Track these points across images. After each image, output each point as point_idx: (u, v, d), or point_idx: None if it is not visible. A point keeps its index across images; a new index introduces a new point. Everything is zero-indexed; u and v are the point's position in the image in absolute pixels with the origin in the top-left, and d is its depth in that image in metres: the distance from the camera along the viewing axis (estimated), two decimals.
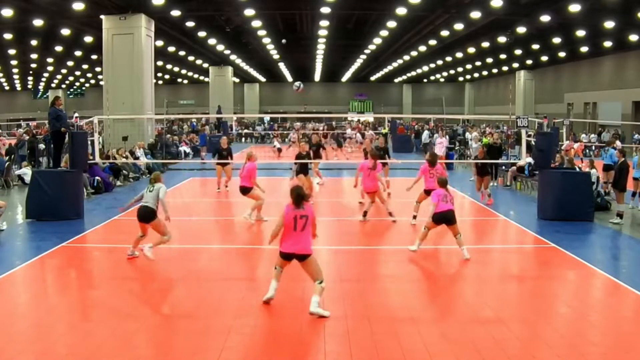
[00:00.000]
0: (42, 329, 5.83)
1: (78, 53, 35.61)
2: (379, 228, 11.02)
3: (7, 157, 17.80)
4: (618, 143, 18.71)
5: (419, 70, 51.25)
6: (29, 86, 57.95)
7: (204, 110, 47.77)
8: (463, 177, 19.00)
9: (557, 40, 30.60)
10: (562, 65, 40.03)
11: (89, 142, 13.09)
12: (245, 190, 11.16)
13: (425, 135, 28.04)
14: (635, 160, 12.76)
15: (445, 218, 8.53)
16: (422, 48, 34.89)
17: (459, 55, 38.30)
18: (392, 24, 26.73)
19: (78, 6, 20.91)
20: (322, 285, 6.24)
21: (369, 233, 10.74)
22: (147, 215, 8.25)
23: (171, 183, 17.29)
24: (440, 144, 19.80)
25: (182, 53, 36.90)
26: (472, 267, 8.32)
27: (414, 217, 10.96)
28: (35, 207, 11.44)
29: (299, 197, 6.31)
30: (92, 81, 54.12)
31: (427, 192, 10.45)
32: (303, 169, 13.04)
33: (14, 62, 40.26)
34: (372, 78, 58.06)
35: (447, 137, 23.75)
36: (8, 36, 28.08)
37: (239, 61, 42.61)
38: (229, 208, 13.80)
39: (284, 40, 31.79)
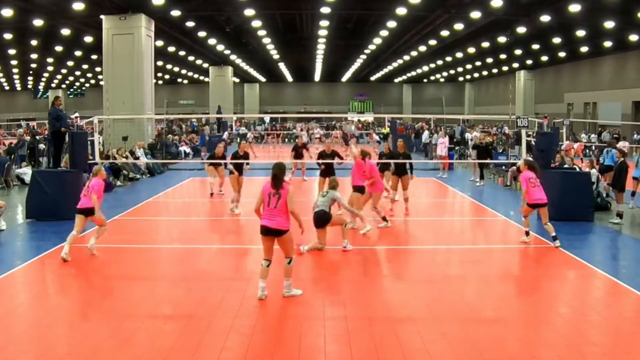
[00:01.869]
0: (42, 329, 5.83)
1: (78, 53, 35.61)
2: (378, 228, 11.01)
3: (9, 157, 17.81)
4: (623, 143, 18.68)
5: (419, 70, 51.24)
6: (29, 86, 57.96)
7: (204, 110, 47.75)
8: (463, 177, 19.01)
9: (557, 40, 30.60)
10: (562, 65, 40.03)
11: (89, 142, 13.08)
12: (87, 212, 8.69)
13: (425, 135, 28.06)
14: (635, 159, 12.75)
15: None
16: (422, 48, 34.90)
17: (459, 55, 38.30)
18: (392, 24, 26.74)
19: (78, 6, 20.91)
20: (291, 264, 6.68)
21: (368, 233, 10.72)
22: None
23: (171, 183, 17.32)
24: (442, 144, 19.83)
25: (182, 53, 36.90)
26: (472, 267, 8.32)
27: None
28: (35, 207, 11.45)
29: (274, 176, 6.63)
30: (92, 81, 54.11)
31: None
32: (238, 168, 12.35)
33: (14, 62, 40.26)
34: (372, 78, 58.05)
35: (448, 137, 23.74)
36: (8, 36, 28.07)
37: (239, 61, 42.62)
38: (229, 208, 13.79)
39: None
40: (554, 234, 9.30)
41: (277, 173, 6.65)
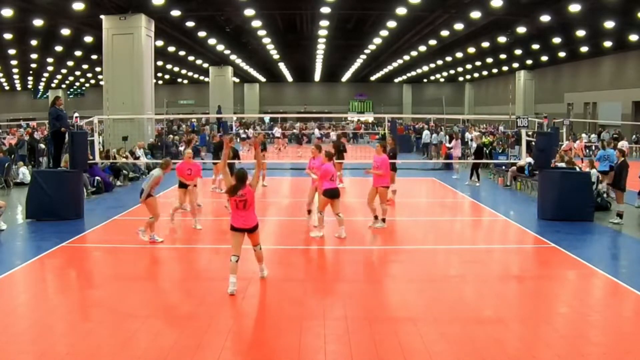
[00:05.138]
0: (42, 329, 5.83)
1: (78, 53, 35.60)
2: (377, 228, 11.00)
3: (9, 157, 17.80)
4: (622, 142, 18.67)
5: (419, 70, 51.23)
6: (29, 86, 57.95)
7: (204, 110, 47.74)
8: (463, 177, 18.99)
9: (557, 40, 30.60)
10: (562, 65, 40.02)
11: (89, 142, 13.07)
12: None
13: (425, 135, 28.08)
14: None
15: (333, 194, 9.58)
16: (422, 48, 34.89)
17: (459, 55, 38.29)
18: (392, 24, 26.73)
19: (78, 6, 20.90)
20: (261, 250, 7.23)
21: (368, 233, 10.73)
22: None
23: (171, 183, 17.30)
24: (456, 146, 20.04)
25: (182, 53, 36.89)
26: (472, 267, 8.32)
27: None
28: (35, 207, 11.43)
29: (237, 181, 6.90)
30: (92, 81, 54.10)
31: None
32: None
33: (14, 62, 40.25)
34: (372, 78, 58.04)
35: (448, 136, 23.79)
36: (8, 36, 28.06)
37: (239, 61, 42.60)
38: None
39: None
40: (384, 216, 10.57)
41: (240, 175, 6.91)
